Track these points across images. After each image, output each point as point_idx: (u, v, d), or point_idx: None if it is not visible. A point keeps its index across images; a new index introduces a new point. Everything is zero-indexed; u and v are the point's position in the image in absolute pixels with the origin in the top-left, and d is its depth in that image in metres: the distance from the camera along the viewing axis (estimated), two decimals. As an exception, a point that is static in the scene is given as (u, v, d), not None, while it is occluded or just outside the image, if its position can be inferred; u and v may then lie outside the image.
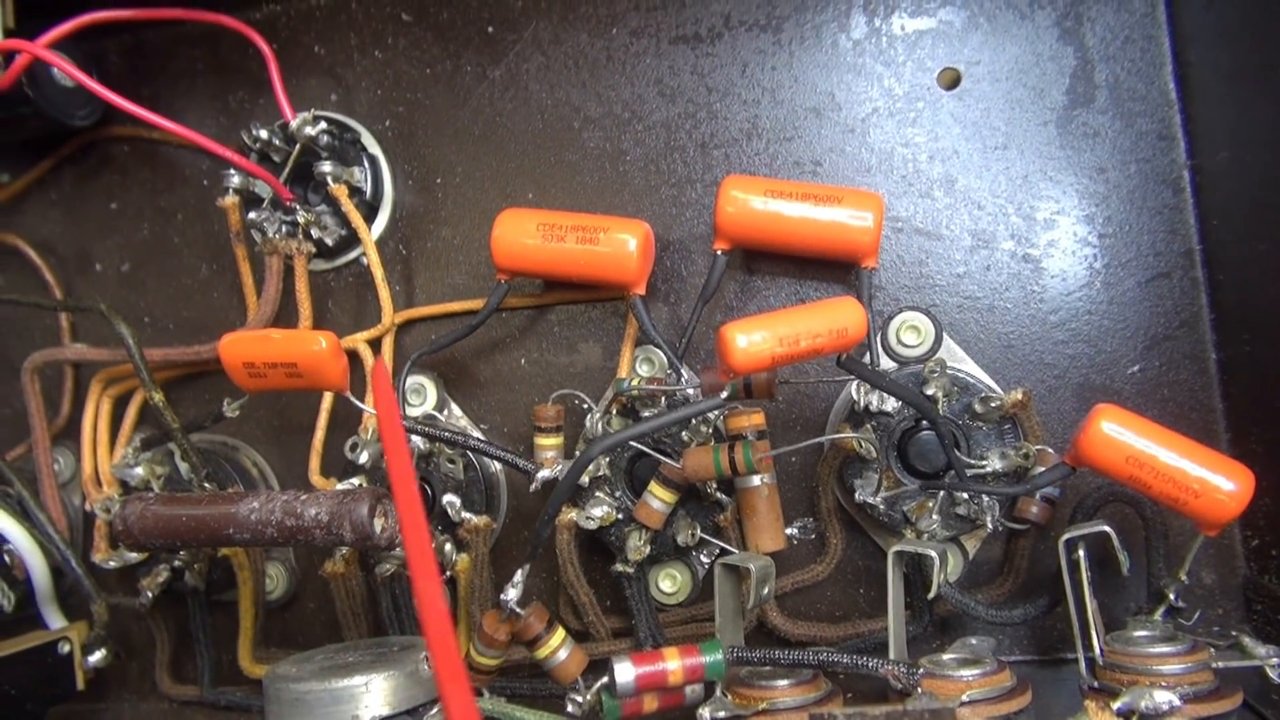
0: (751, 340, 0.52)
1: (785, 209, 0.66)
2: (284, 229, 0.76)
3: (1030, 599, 0.64)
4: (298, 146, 0.75)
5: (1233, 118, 0.62)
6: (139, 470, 0.75)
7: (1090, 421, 0.53)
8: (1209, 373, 0.66)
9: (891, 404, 0.65)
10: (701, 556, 0.72)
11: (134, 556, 0.74)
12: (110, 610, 0.75)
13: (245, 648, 0.75)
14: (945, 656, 0.58)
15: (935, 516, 0.63)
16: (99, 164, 0.85)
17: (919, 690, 0.53)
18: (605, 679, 0.54)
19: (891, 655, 0.59)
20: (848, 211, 0.65)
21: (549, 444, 0.70)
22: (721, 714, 0.54)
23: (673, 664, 0.54)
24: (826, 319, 0.53)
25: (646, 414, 0.68)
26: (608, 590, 0.73)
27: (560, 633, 0.57)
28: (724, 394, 0.54)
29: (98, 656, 0.74)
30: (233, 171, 0.76)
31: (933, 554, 0.58)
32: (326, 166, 0.74)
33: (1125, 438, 0.52)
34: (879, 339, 0.69)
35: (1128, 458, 0.52)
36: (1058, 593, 0.61)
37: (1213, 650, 0.53)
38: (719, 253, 0.69)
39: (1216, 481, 0.51)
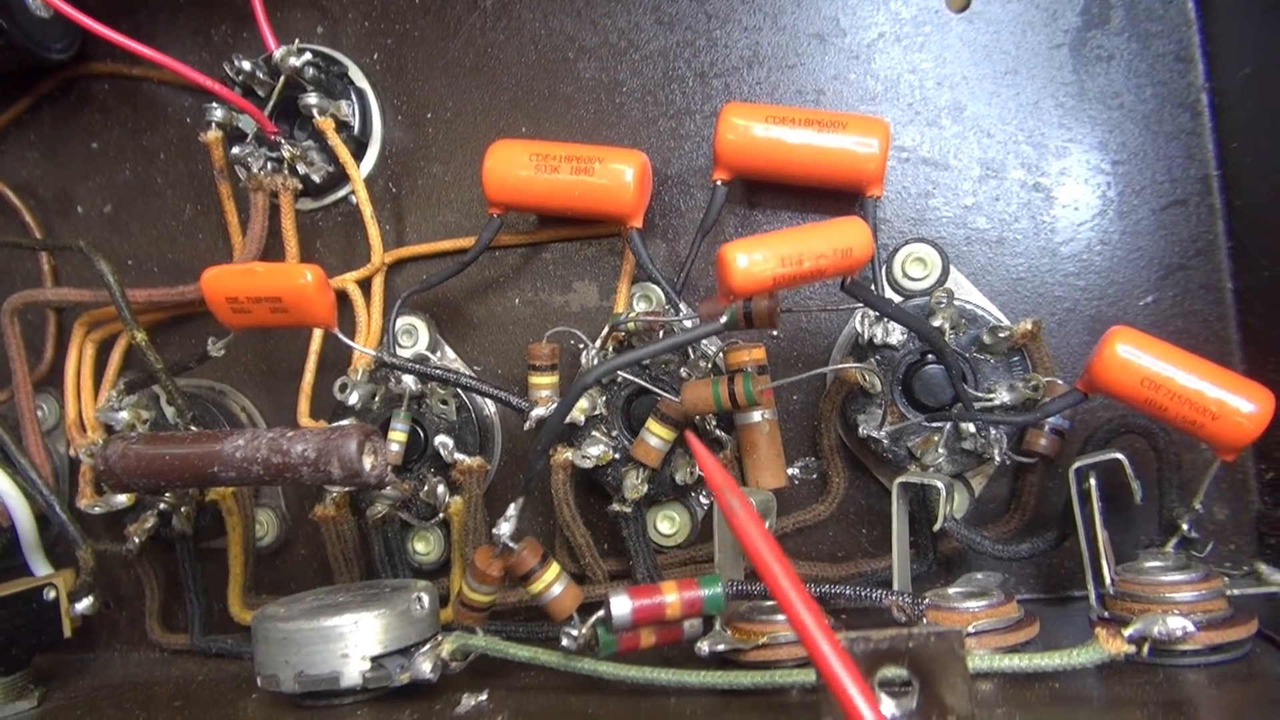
0: (753, 259, 0.50)
1: (787, 136, 0.63)
2: (268, 165, 0.74)
3: (1038, 534, 0.62)
4: (282, 79, 0.72)
5: (1256, 32, 0.60)
6: (124, 414, 0.73)
7: (1104, 344, 0.51)
8: (1225, 302, 0.64)
9: (896, 337, 0.63)
10: (700, 497, 0.70)
11: (120, 501, 0.72)
12: (97, 557, 0.74)
13: (235, 594, 0.74)
14: (951, 590, 0.56)
15: (941, 451, 0.61)
16: (79, 102, 0.82)
17: (924, 621, 0.51)
18: (601, 612, 0.52)
19: (896, 587, 0.57)
20: (852, 137, 0.63)
21: (544, 382, 0.68)
22: (720, 647, 0.53)
23: (670, 597, 0.53)
24: (831, 238, 0.51)
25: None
26: (605, 533, 0.71)
27: (554, 567, 0.55)
28: (722, 319, 0.52)
29: (85, 604, 0.73)
30: (215, 105, 0.73)
31: (939, 484, 0.57)
32: (312, 99, 0.72)
33: (1141, 360, 0.50)
34: (884, 272, 0.67)
35: (1143, 380, 0.50)
36: (1066, 527, 0.59)
37: (1227, 579, 0.52)
38: (719, 183, 0.66)
39: (1235, 403, 0.49)
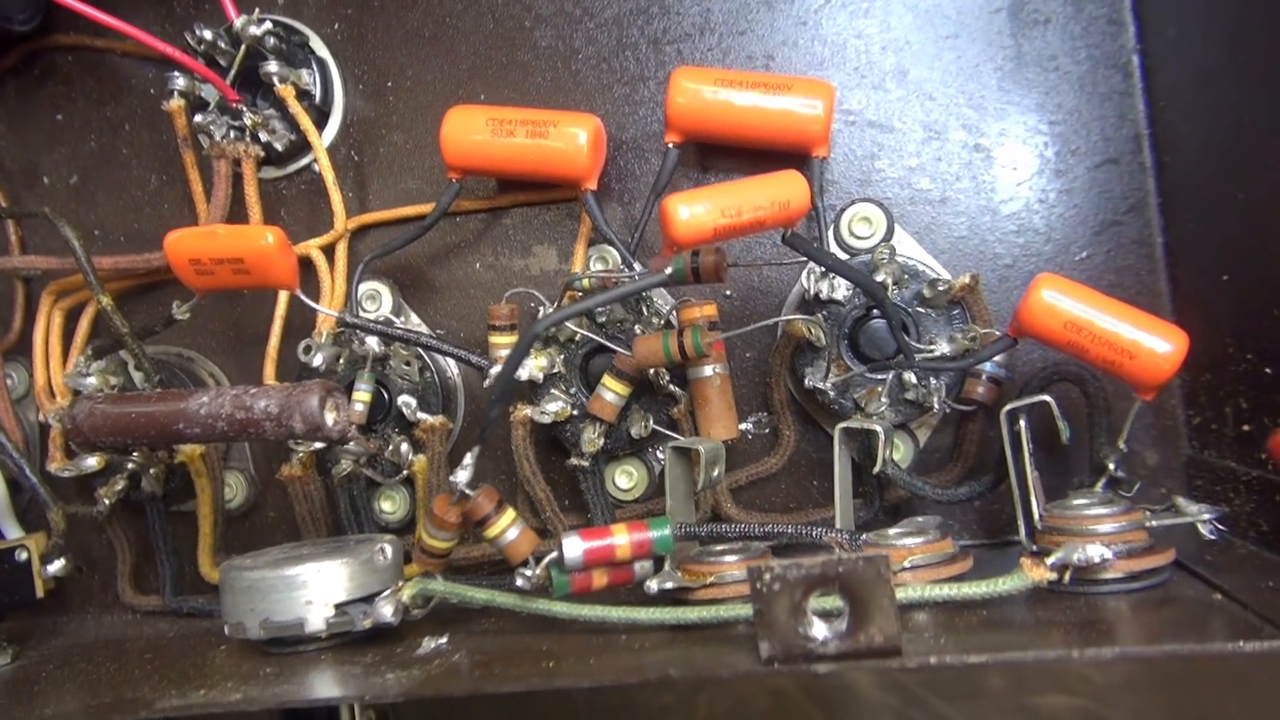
0: (693, 211, 0.52)
1: (736, 98, 0.65)
2: (231, 133, 0.75)
3: (977, 479, 0.65)
4: (243, 48, 0.74)
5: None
6: (92, 379, 0.74)
7: (1031, 289, 0.54)
8: (1155, 257, 0.67)
9: (842, 292, 0.66)
10: (658, 453, 0.72)
11: (90, 464, 0.74)
12: (68, 520, 0.75)
13: (206, 554, 0.76)
14: (891, 530, 0.59)
15: (884, 400, 0.64)
16: (42, 75, 0.83)
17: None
18: (554, 554, 0.55)
19: (838, 526, 0.59)
20: (798, 99, 0.65)
21: (503, 342, 0.70)
22: (669, 585, 0.55)
23: (621, 539, 0.55)
24: (769, 190, 0.53)
25: (599, 309, 0.68)
26: (566, 489, 0.74)
27: (510, 513, 0.57)
28: (667, 270, 0.54)
29: (57, 566, 0.74)
30: (178, 74, 0.74)
31: (878, 429, 0.59)
32: (272, 66, 0.73)
33: (1063, 304, 0.53)
34: (831, 233, 0.69)
35: (1066, 323, 0.53)
36: (1003, 472, 0.62)
37: (1148, 512, 0.54)
38: (670, 146, 0.68)
39: (1151, 343, 0.52)
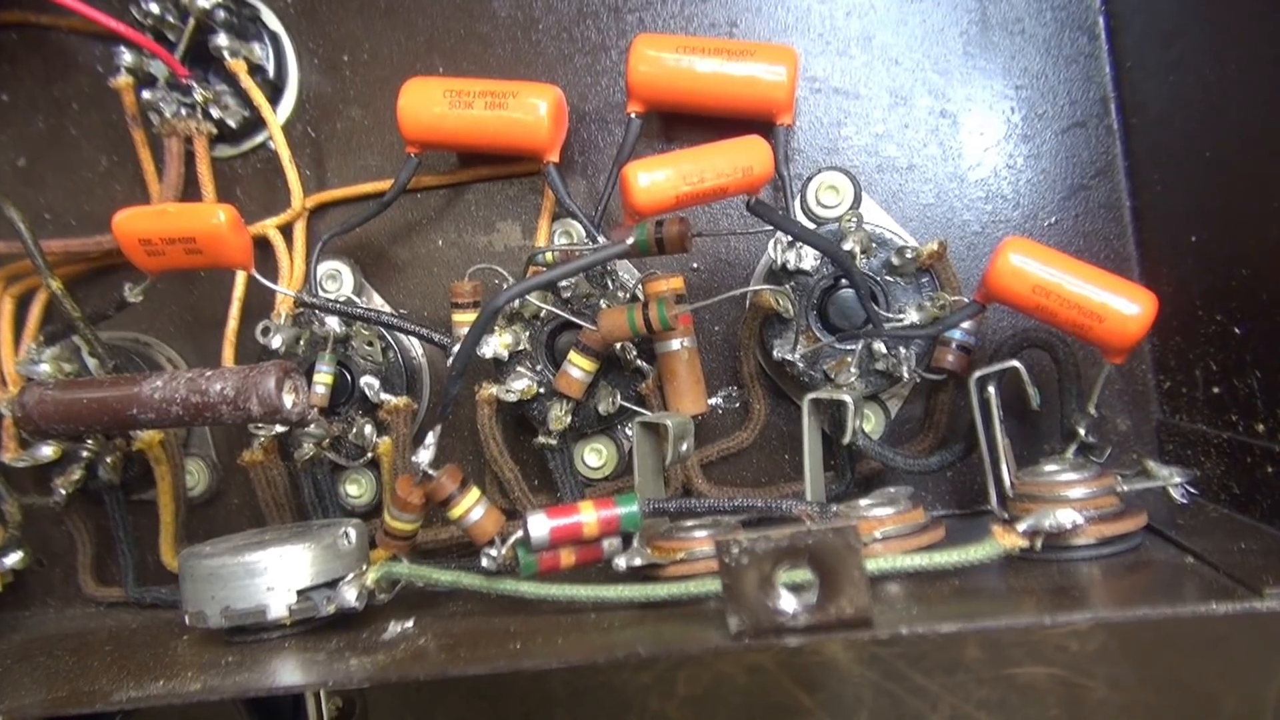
0: (654, 179, 0.50)
1: (698, 65, 0.64)
2: (181, 110, 0.73)
3: (948, 449, 0.64)
4: (192, 22, 0.72)
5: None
6: (44, 366, 0.72)
7: (998, 253, 0.53)
8: (1123, 220, 0.66)
9: (810, 262, 0.64)
10: (627, 430, 0.71)
11: (45, 454, 0.72)
12: (25, 511, 0.73)
13: (167, 542, 0.74)
14: (861, 501, 0.58)
15: (854, 371, 0.63)
16: (-15, 54, 0.80)
17: (832, 527, 0.53)
18: (520, 533, 0.53)
19: (809, 499, 0.59)
20: (761, 65, 0.64)
21: (466, 320, 0.68)
22: (637, 561, 0.54)
23: (587, 516, 0.54)
24: (731, 156, 0.52)
25: (565, 283, 0.67)
26: (535, 469, 0.72)
27: (475, 492, 0.56)
28: (629, 240, 0.53)
29: (14, 559, 0.73)
30: (124, 50, 0.72)
31: (847, 399, 0.58)
32: (222, 40, 0.71)
33: (1031, 267, 0.52)
34: (798, 202, 0.68)
35: (1034, 287, 0.52)
36: (971, 438, 0.61)
37: (1119, 476, 0.54)
38: (633, 116, 0.67)
39: (1119, 305, 0.51)
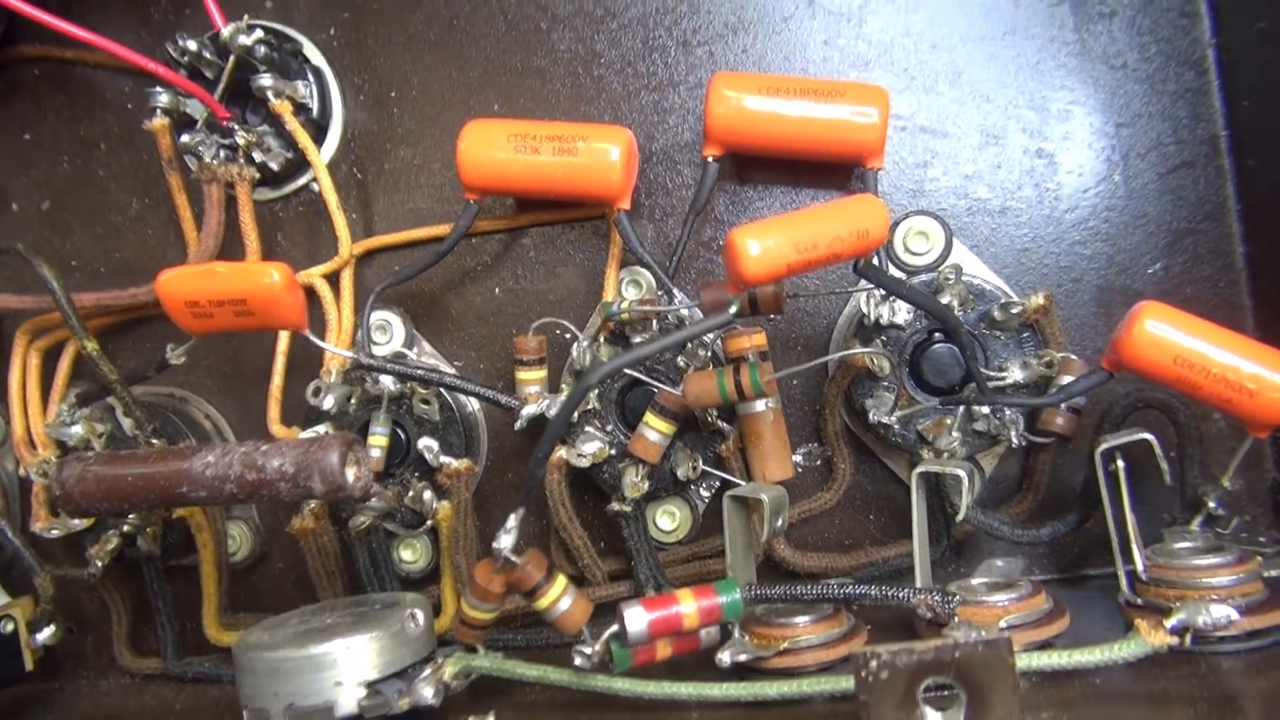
0: (765, 246, 0.46)
1: (782, 107, 0.60)
2: (222, 153, 0.68)
3: (1053, 516, 0.61)
4: (231, 59, 0.67)
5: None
6: (77, 429, 0.67)
7: (1133, 320, 0.49)
8: (1236, 267, 0.62)
9: (903, 316, 0.60)
10: (701, 490, 0.67)
11: (78, 523, 0.67)
12: (57, 583, 0.69)
13: (210, 614, 0.69)
14: (974, 581, 0.54)
15: (955, 434, 0.59)
16: (7, 90, 0.75)
17: (955, 619, 0.49)
18: (615, 627, 0.49)
19: (919, 583, 0.55)
20: (851, 107, 0.59)
21: (532, 378, 0.64)
22: (742, 656, 0.50)
23: (687, 606, 0.50)
24: (846, 220, 0.47)
25: (638, 339, 0.63)
26: (600, 531, 0.68)
27: (561, 580, 0.52)
28: (732, 309, 0.49)
29: (46, 634, 0.68)
30: (160, 89, 0.67)
31: (960, 473, 0.54)
32: (266, 80, 0.66)
33: (1173, 336, 0.48)
34: (884, 249, 0.64)
35: (1175, 358, 0.48)
36: (1086, 508, 0.58)
37: (1260, 558, 0.50)
38: (710, 159, 0.63)
39: (1274, 378, 0.47)
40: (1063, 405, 0.59)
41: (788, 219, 0.47)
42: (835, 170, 0.66)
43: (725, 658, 0.50)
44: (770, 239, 0.46)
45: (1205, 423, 0.61)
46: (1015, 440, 0.58)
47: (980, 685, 0.40)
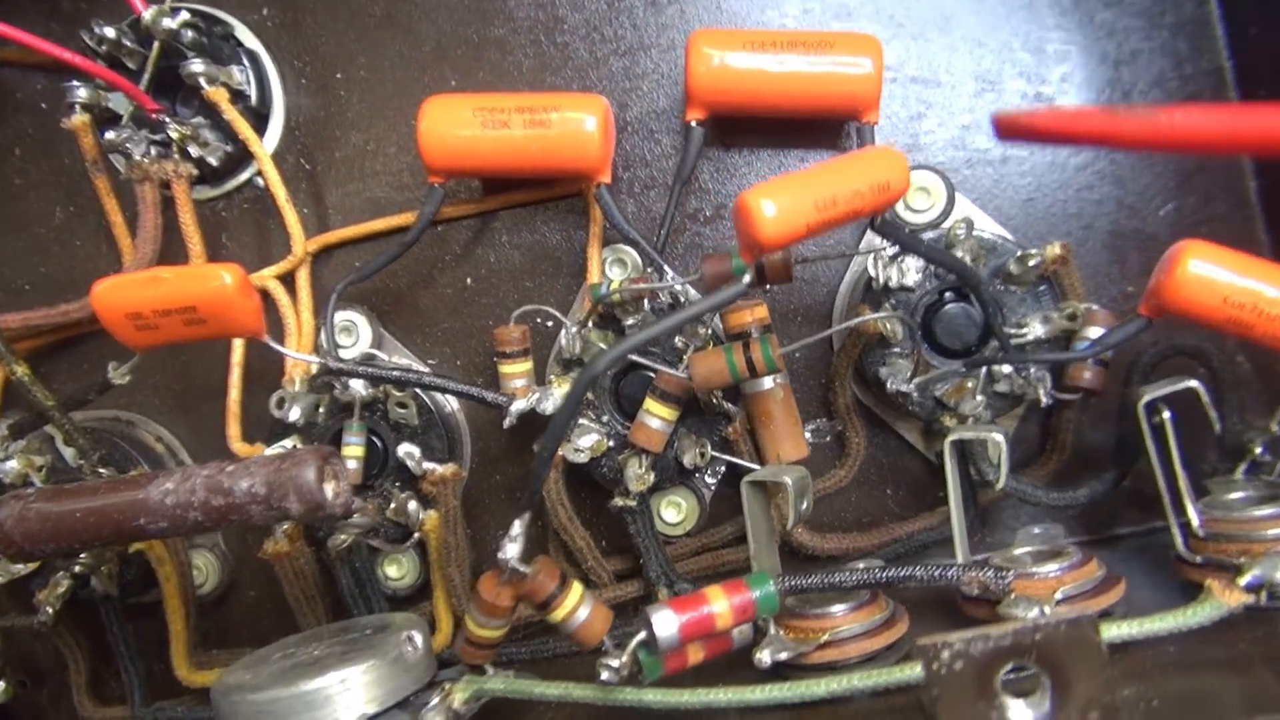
0: (782, 206, 0.42)
1: (769, 63, 0.55)
2: (153, 150, 0.62)
3: (1079, 476, 0.57)
4: (156, 46, 0.61)
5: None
6: (12, 464, 0.60)
7: (1175, 261, 0.46)
8: (1250, 203, 0.60)
9: (913, 277, 0.57)
10: (706, 477, 0.63)
11: (21, 568, 0.61)
12: (4, 635, 0.62)
13: (180, 654, 0.63)
14: (1017, 552, 0.50)
15: (980, 398, 0.55)
16: (-98, 96, 0.68)
17: (1011, 595, 0.45)
18: (642, 634, 0.45)
19: (959, 558, 0.51)
20: (842, 58, 0.55)
21: (517, 370, 0.59)
22: (783, 655, 0.46)
23: (719, 605, 0.45)
24: (865, 173, 0.43)
25: (630, 321, 0.58)
26: (601, 530, 0.64)
27: (577, 588, 0.47)
28: (745, 279, 0.44)
29: (-4, 691, 0.61)
30: (77, 83, 0.61)
31: (998, 436, 0.50)
32: (197, 65, 0.60)
33: (1220, 275, 0.45)
34: (882, 207, 0.60)
35: (1225, 298, 0.45)
36: (1121, 464, 0.55)
37: (1321, 504, 0.47)
38: (693, 124, 0.58)
39: (1331, 310, 0.44)
40: (1090, 359, 0.55)
41: (802, 175, 0.43)
42: (824, 129, 0.62)
43: (765, 657, 0.46)
44: (786, 198, 0.42)
45: (1232, 367, 0.58)
46: (1045, 398, 0.54)
47: (1063, 667, 0.37)
